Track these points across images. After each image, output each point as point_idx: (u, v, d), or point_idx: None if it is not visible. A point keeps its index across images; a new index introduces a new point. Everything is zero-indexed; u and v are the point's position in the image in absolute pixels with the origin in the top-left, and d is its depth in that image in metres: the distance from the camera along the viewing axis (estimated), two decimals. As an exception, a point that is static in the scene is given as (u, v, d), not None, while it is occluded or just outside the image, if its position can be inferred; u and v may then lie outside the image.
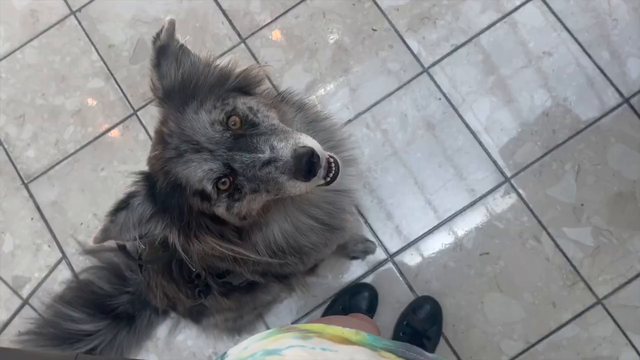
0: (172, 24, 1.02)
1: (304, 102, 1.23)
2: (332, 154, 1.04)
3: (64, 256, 2.09)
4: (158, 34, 1.03)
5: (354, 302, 1.91)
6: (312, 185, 1.00)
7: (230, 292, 1.48)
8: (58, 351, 1.66)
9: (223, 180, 1.00)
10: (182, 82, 1.04)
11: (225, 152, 0.98)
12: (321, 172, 0.98)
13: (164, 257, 1.36)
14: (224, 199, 1.03)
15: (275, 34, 2.17)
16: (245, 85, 1.10)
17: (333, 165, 1.03)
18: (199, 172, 0.99)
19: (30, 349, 1.68)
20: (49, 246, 2.10)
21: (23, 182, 2.16)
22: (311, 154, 0.95)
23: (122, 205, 1.02)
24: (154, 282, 1.56)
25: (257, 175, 0.98)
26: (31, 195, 2.15)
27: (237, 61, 1.11)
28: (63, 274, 2.07)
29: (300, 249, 1.21)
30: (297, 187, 0.99)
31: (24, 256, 2.10)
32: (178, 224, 1.05)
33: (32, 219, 2.13)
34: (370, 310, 1.92)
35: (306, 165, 0.94)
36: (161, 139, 1.04)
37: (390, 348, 0.80)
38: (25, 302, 2.07)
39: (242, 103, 1.05)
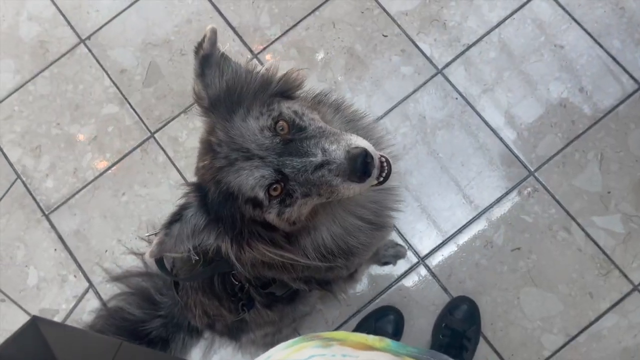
0: (214, 32, 1.02)
1: (340, 102, 1.23)
2: (383, 154, 1.03)
3: (91, 285, 2.06)
4: (200, 44, 1.03)
5: (379, 325, 1.88)
6: (366, 186, 0.99)
7: (273, 303, 1.46)
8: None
9: (274, 186, 0.99)
10: (227, 90, 1.04)
11: (276, 158, 0.97)
12: (375, 172, 0.97)
13: (205, 272, 1.34)
14: (276, 205, 1.02)
15: (285, 49, 2.18)
16: (286, 90, 1.10)
17: (385, 164, 1.02)
18: (250, 179, 0.98)
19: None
20: (75, 276, 2.07)
21: (44, 214, 2.14)
22: (365, 155, 0.94)
23: (176, 218, 1.01)
24: (192, 300, 1.54)
25: (309, 179, 0.97)
26: (53, 226, 2.12)
27: (277, 66, 1.11)
28: (91, 303, 2.04)
29: (349, 250, 1.20)
30: (351, 189, 0.98)
31: (50, 288, 2.07)
32: (231, 233, 1.04)
33: (55, 250, 2.10)
34: (397, 333, 1.89)
35: (361, 166, 0.93)
36: (209, 149, 1.02)
37: (415, 354, 0.79)
38: (54, 334, 2.03)
39: (287, 107, 1.04)
